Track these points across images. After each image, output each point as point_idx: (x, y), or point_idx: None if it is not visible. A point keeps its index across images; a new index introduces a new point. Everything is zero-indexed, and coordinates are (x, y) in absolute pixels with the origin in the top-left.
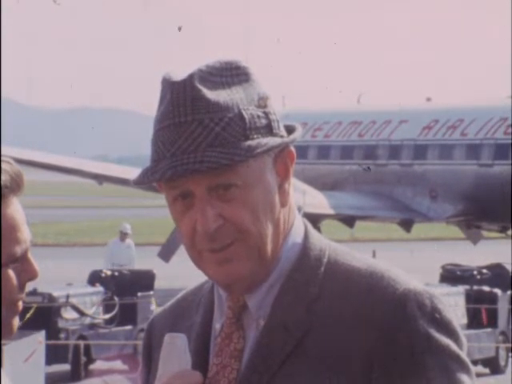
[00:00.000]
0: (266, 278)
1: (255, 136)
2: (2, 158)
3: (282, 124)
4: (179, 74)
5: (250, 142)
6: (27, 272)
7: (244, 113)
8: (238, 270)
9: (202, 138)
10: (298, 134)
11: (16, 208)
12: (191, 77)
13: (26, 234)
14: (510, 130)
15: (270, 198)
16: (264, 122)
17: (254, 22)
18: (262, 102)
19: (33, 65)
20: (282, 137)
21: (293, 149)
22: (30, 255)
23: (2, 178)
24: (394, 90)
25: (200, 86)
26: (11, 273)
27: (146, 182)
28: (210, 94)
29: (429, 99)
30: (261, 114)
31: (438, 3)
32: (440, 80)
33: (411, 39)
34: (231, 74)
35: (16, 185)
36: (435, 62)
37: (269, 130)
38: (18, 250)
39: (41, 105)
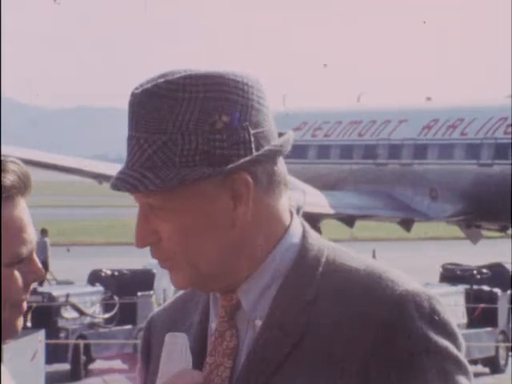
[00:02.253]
0: (246, 279)
1: (187, 163)
2: (11, 159)
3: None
4: (143, 85)
5: (179, 170)
6: (32, 273)
7: (181, 137)
8: (180, 281)
9: (137, 158)
10: (234, 165)
11: (23, 209)
12: (143, 92)
13: (31, 234)
14: (509, 130)
15: (212, 221)
16: (204, 148)
17: (255, 22)
18: (215, 126)
19: (33, 65)
20: (231, 161)
21: (247, 176)
22: (35, 256)
23: (11, 178)
24: (394, 90)
25: (147, 104)
26: (16, 273)
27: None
28: (152, 113)
29: (429, 99)
30: (206, 139)
31: (437, 3)
32: (440, 80)
33: (411, 39)
34: (196, 90)
35: (23, 185)
36: (435, 61)
37: (207, 157)
38: (24, 250)
39: (41, 105)
